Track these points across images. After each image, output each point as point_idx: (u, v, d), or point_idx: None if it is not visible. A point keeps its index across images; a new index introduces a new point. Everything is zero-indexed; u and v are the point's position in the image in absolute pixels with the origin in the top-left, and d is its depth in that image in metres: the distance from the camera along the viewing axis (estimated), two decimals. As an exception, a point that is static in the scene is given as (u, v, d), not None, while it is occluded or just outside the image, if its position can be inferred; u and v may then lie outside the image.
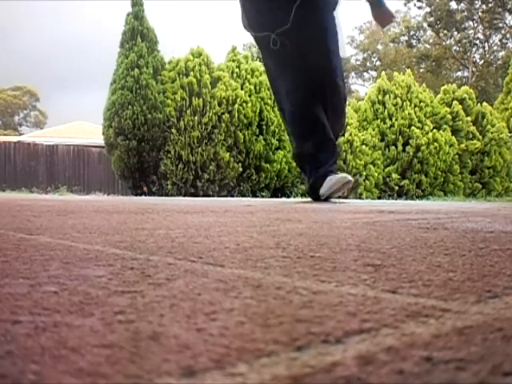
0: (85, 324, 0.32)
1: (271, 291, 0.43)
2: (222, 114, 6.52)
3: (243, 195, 6.51)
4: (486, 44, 28.58)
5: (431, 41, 29.40)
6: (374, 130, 7.36)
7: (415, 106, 7.53)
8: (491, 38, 28.27)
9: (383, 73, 8.18)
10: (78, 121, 22.82)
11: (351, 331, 0.31)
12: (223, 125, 6.49)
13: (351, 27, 30.72)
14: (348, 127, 6.99)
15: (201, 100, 6.43)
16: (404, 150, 7.31)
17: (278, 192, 6.62)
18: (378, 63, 32.63)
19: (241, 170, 6.64)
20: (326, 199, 2.81)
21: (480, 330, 0.32)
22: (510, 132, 8.52)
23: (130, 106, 6.34)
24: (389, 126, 7.36)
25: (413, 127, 7.31)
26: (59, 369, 0.24)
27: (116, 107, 6.40)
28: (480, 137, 7.95)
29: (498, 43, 28.36)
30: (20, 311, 0.35)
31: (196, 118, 6.39)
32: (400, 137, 7.30)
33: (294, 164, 6.63)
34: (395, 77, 7.72)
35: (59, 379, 0.23)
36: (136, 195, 6.30)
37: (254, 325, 0.32)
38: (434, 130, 7.49)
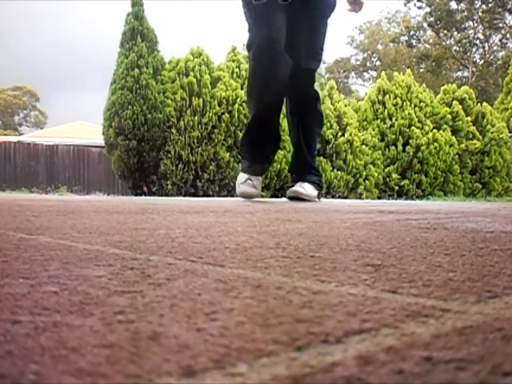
0: (85, 324, 0.32)
1: (271, 291, 0.43)
2: (222, 113, 6.52)
3: (243, 195, 6.50)
4: (486, 44, 28.58)
5: (431, 41, 29.39)
6: (374, 130, 7.36)
7: (415, 106, 7.53)
8: (491, 38, 28.27)
9: (383, 73, 8.18)
10: (77, 121, 22.83)
11: (351, 331, 0.31)
12: (223, 125, 6.49)
13: (351, 27, 30.72)
14: (348, 127, 6.99)
15: (201, 100, 6.43)
16: (404, 150, 7.30)
17: (278, 192, 6.62)
18: (378, 63, 32.63)
19: (241, 170, 6.63)
20: None
21: (480, 330, 0.32)
22: (510, 132, 8.52)
23: (130, 106, 6.34)
24: (389, 125, 7.36)
25: (413, 127, 7.31)
26: (59, 369, 0.24)
27: (116, 107, 6.39)
28: (480, 137, 7.95)
29: (498, 43, 28.36)
30: (20, 311, 0.35)
31: (196, 117, 6.39)
32: (400, 137, 7.30)
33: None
34: (395, 77, 7.72)
35: (59, 379, 0.23)
36: (136, 195, 6.30)
37: (253, 325, 0.32)
38: (434, 130, 7.49)
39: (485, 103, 8.39)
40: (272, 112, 2.96)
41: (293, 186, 3.12)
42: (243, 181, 2.94)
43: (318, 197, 3.10)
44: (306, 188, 2.98)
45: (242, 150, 3.17)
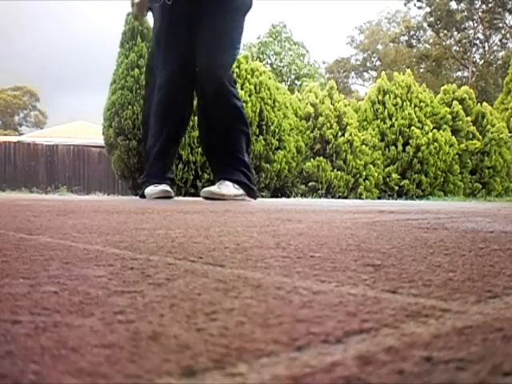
0: (85, 324, 0.32)
1: (271, 291, 0.43)
2: (222, 113, 6.52)
3: (243, 195, 6.50)
4: (486, 44, 28.59)
5: (431, 41, 29.40)
6: (373, 130, 7.36)
7: (415, 106, 7.53)
8: (491, 37, 28.28)
9: (383, 73, 8.17)
10: (78, 121, 22.84)
11: (351, 331, 0.31)
12: (223, 125, 6.49)
13: (351, 27, 30.82)
14: (348, 127, 6.99)
15: (201, 100, 6.43)
16: (404, 150, 7.30)
17: (278, 192, 6.62)
18: (378, 63, 32.64)
19: (241, 169, 6.63)
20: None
21: (480, 330, 0.32)
22: (510, 132, 8.52)
23: (129, 106, 6.34)
24: (389, 125, 7.36)
25: (413, 127, 7.31)
26: (59, 369, 0.24)
27: (116, 107, 6.40)
28: (480, 137, 7.95)
29: (498, 43, 28.38)
30: (20, 311, 0.35)
31: (196, 117, 6.38)
32: (400, 137, 7.30)
33: (294, 164, 6.63)
34: (395, 77, 7.72)
35: (59, 379, 0.23)
36: (136, 195, 6.30)
37: (253, 325, 0.32)
38: (434, 130, 7.49)
39: (485, 103, 8.39)
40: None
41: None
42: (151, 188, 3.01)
43: (252, 195, 2.98)
44: (221, 187, 2.89)
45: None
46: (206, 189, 2.95)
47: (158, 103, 3.05)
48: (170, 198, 3.01)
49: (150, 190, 2.99)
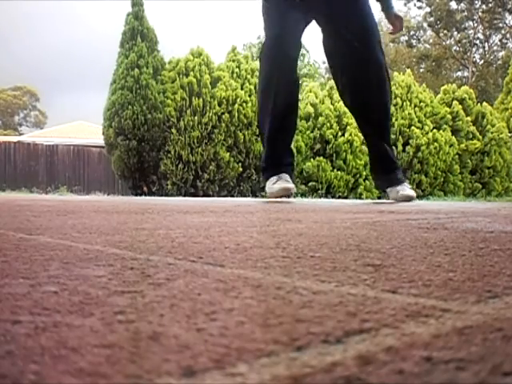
0: (85, 324, 0.32)
1: (271, 291, 0.43)
2: (222, 113, 6.52)
3: (243, 195, 6.51)
4: (486, 44, 28.58)
5: (431, 41, 29.40)
6: (374, 130, 7.35)
7: (415, 106, 7.53)
8: (491, 38, 28.27)
9: (383, 73, 8.16)
10: (78, 121, 22.84)
11: (351, 331, 0.31)
12: (223, 125, 6.50)
13: (351, 27, 30.83)
14: (348, 127, 6.99)
15: (201, 100, 6.44)
16: (404, 150, 7.31)
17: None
18: (378, 63, 32.58)
19: (241, 169, 6.64)
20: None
21: (480, 330, 0.32)
22: (510, 132, 8.52)
23: (130, 106, 6.34)
24: (389, 125, 7.36)
25: (413, 127, 7.31)
26: (59, 369, 0.24)
27: (116, 107, 6.40)
28: (480, 137, 7.95)
29: (498, 43, 28.37)
30: (20, 311, 0.35)
31: (196, 117, 6.39)
32: (400, 137, 7.30)
33: (294, 164, 6.61)
34: (395, 77, 7.72)
35: (59, 379, 0.23)
36: (136, 195, 6.30)
37: (254, 325, 0.32)
38: (434, 130, 7.49)
39: (485, 103, 8.39)
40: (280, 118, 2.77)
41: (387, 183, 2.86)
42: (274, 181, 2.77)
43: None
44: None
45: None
46: (401, 193, 2.76)
47: (264, 67, 2.82)
48: (288, 196, 2.79)
49: (269, 188, 2.79)
